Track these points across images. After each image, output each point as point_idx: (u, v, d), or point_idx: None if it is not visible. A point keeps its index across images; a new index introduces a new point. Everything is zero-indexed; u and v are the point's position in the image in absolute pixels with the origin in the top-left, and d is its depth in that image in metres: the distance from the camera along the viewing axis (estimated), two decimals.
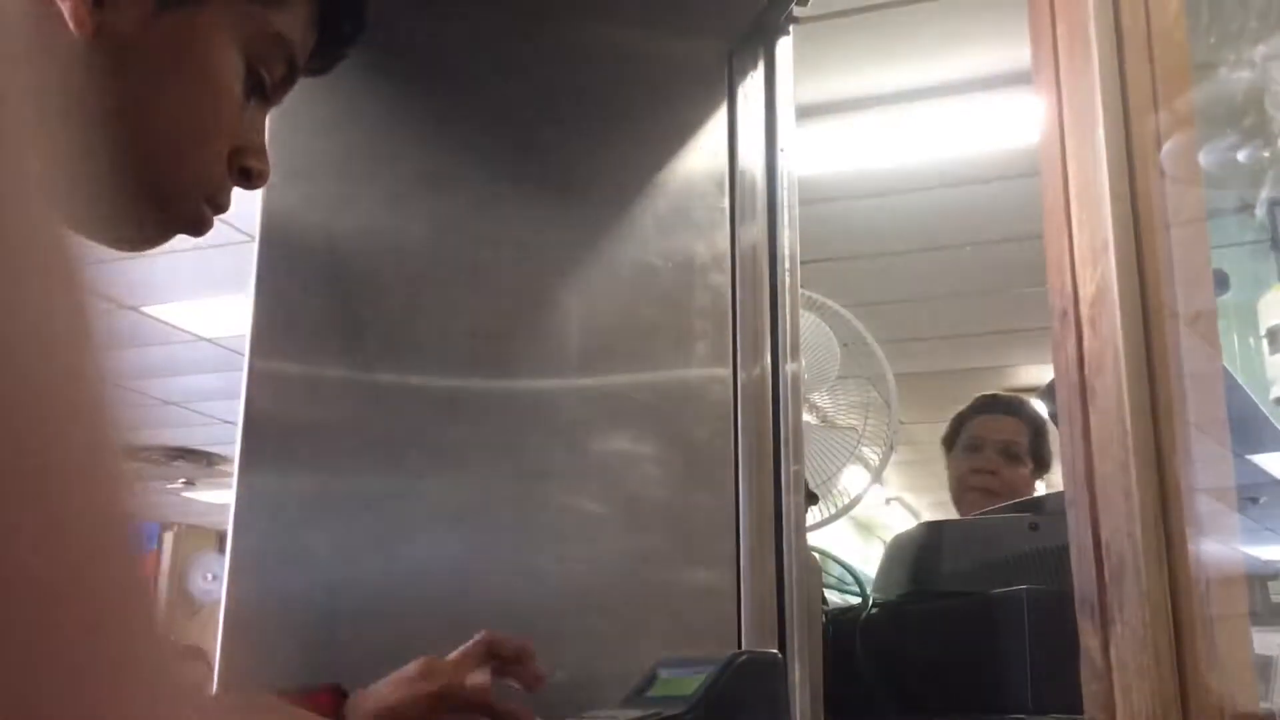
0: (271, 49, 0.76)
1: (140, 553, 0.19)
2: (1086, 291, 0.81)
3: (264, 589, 1.23)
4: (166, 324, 5.89)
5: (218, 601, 1.24)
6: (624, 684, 1.08)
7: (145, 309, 5.70)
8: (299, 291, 1.33)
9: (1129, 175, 0.82)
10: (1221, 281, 0.83)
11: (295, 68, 0.79)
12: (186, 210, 0.76)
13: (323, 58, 0.84)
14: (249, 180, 0.79)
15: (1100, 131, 0.82)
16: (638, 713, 0.96)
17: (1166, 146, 0.84)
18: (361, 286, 1.35)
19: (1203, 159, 0.87)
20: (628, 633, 1.29)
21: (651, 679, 1.06)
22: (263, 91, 0.78)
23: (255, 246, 1.33)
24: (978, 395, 2.73)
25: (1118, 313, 0.79)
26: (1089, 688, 0.77)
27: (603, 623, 1.30)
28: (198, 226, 0.77)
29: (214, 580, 10.86)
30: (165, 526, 11.61)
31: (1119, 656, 0.75)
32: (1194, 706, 0.73)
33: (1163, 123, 0.84)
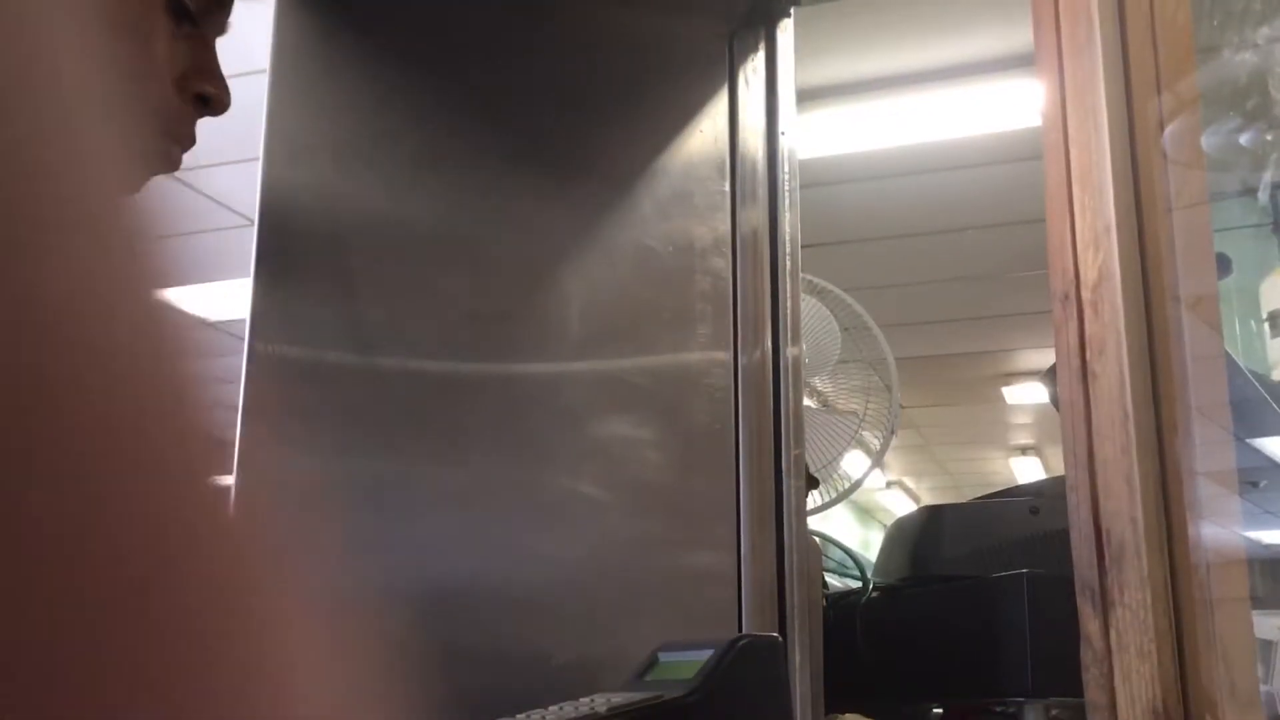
0: None
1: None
2: (1088, 275, 0.81)
3: None
4: None
5: None
6: (624, 667, 1.08)
7: None
8: (298, 275, 1.32)
9: (1131, 158, 0.82)
10: (1224, 265, 0.83)
11: None
12: (147, 151, 0.71)
13: None
14: (207, 106, 0.77)
15: (1103, 114, 0.82)
16: (638, 695, 0.97)
17: (1169, 129, 0.84)
18: (361, 270, 1.35)
19: (1205, 142, 0.87)
20: (628, 616, 1.30)
21: (652, 662, 1.06)
22: (190, 17, 0.75)
23: (254, 230, 1.32)
24: None
25: (1119, 296, 0.79)
26: (1089, 671, 0.77)
27: (603, 606, 1.30)
28: (167, 165, 0.75)
29: None
30: None
31: (1119, 640, 0.75)
32: (1194, 690, 0.73)
33: (1165, 105, 0.84)
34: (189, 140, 0.77)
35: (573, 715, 0.94)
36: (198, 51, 0.76)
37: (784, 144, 1.48)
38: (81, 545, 0.16)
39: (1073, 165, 0.83)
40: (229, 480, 0.19)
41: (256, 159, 1.33)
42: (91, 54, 0.18)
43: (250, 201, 1.35)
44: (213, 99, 0.77)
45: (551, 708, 0.97)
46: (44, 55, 0.17)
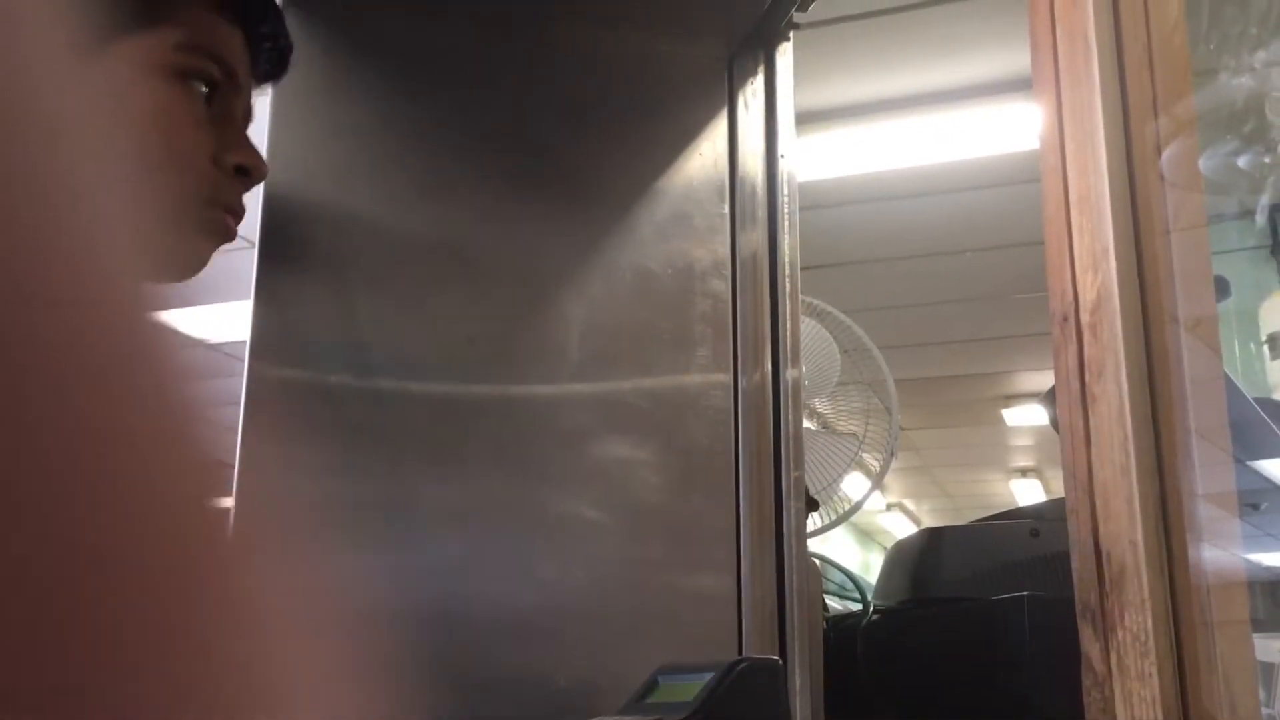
0: (189, 60, 0.82)
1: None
2: (1087, 297, 0.81)
3: None
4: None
5: None
6: (624, 690, 1.07)
7: None
8: (299, 298, 1.33)
9: (1129, 181, 0.82)
10: (1222, 287, 0.83)
11: (226, 62, 0.85)
12: (201, 223, 0.83)
13: (262, 55, 0.91)
14: (247, 176, 0.86)
15: (1101, 137, 0.82)
16: (638, 719, 0.96)
17: (1167, 152, 0.84)
18: (361, 292, 1.35)
19: (1203, 165, 0.87)
20: (628, 639, 1.29)
21: (652, 685, 1.06)
22: (215, 95, 0.84)
23: (255, 252, 1.33)
24: None
25: (1118, 318, 0.79)
26: (1090, 694, 0.77)
27: (603, 629, 1.30)
28: (222, 233, 0.85)
29: None
30: None
31: (1120, 663, 0.75)
32: (1195, 713, 0.73)
33: (1163, 128, 0.84)
34: (238, 208, 0.86)
35: None
36: (225, 129, 0.85)
37: (783, 166, 1.49)
38: (74, 563, 0.16)
39: (1071, 188, 0.84)
40: (228, 501, 0.19)
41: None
42: (107, 145, 0.19)
43: (251, 223, 1.35)
44: (252, 170, 0.86)
45: None
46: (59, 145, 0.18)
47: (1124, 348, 0.78)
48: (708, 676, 0.98)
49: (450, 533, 1.30)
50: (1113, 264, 0.80)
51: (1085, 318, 0.81)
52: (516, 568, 1.30)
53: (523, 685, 1.24)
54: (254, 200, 1.36)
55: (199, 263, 0.85)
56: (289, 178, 1.34)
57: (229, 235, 0.86)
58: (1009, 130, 3.49)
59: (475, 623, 1.27)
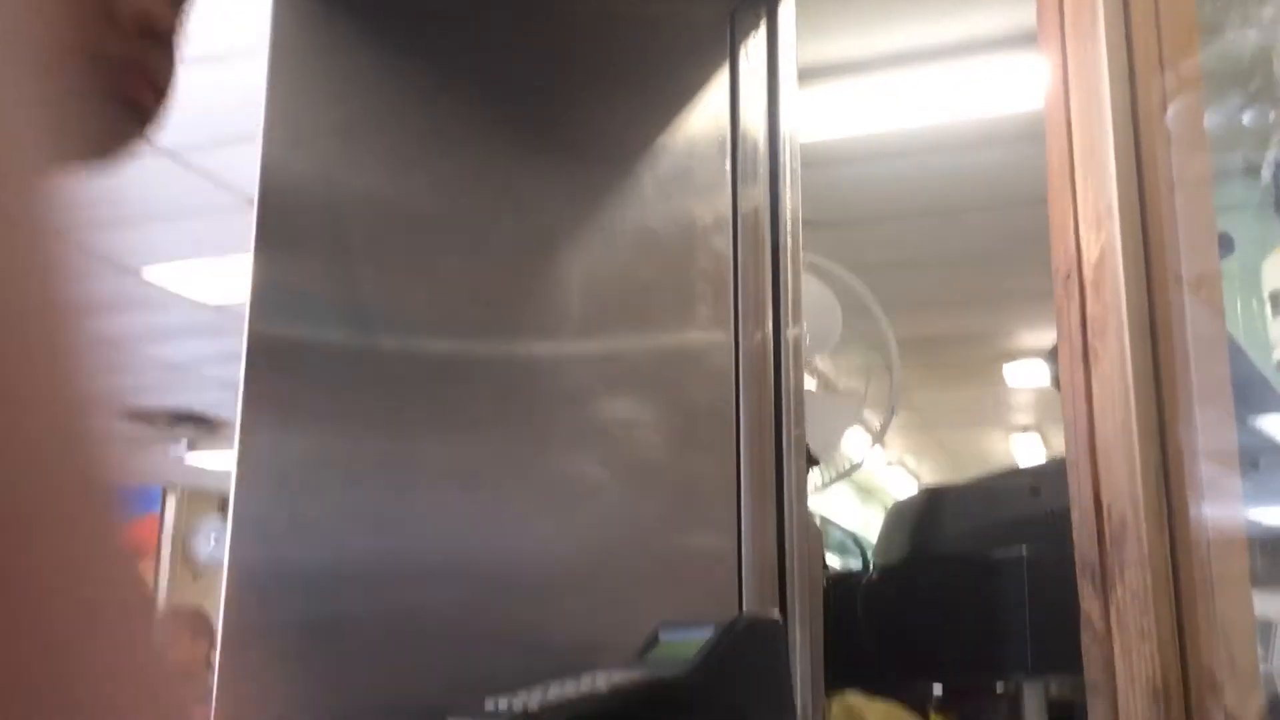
0: None
1: (123, 519, 0.19)
2: (1090, 255, 0.81)
3: (266, 553, 1.23)
4: (167, 288, 5.89)
5: (220, 565, 1.25)
6: (625, 647, 1.08)
7: (145, 273, 5.69)
8: (298, 255, 1.32)
9: (1134, 138, 0.82)
10: (1226, 244, 0.83)
11: None
12: (107, 89, 0.64)
13: None
14: (151, 26, 0.67)
15: (1106, 93, 0.81)
16: (638, 674, 0.97)
17: (1172, 108, 0.84)
18: (361, 250, 1.34)
19: (1208, 121, 0.87)
20: (629, 596, 1.30)
21: (652, 642, 1.07)
22: None
23: (254, 211, 1.32)
24: None
25: (1121, 276, 0.79)
26: (1089, 650, 0.78)
27: (604, 586, 1.30)
28: (128, 102, 0.66)
29: (216, 543, 10.91)
30: (167, 489, 11.65)
31: (1119, 619, 0.75)
32: (1194, 669, 0.73)
33: (1169, 84, 0.83)
34: (152, 75, 0.67)
35: (573, 693, 0.94)
36: None
37: (785, 122, 1.48)
38: None
39: (1075, 144, 0.83)
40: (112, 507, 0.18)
41: (256, 139, 1.32)
42: None
43: (249, 180, 1.34)
44: (152, 17, 0.66)
45: (553, 685, 0.97)
46: None
47: (1126, 305, 0.78)
48: (708, 633, 0.99)
49: (451, 490, 1.30)
50: (1116, 221, 0.80)
51: (1088, 275, 0.81)
52: (517, 525, 1.30)
53: (523, 642, 1.25)
54: (253, 157, 1.35)
55: (109, 143, 0.65)
56: (288, 135, 1.33)
57: (143, 108, 0.66)
58: (1013, 87, 3.47)
59: (476, 580, 1.28)
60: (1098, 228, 0.80)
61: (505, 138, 1.42)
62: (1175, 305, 0.79)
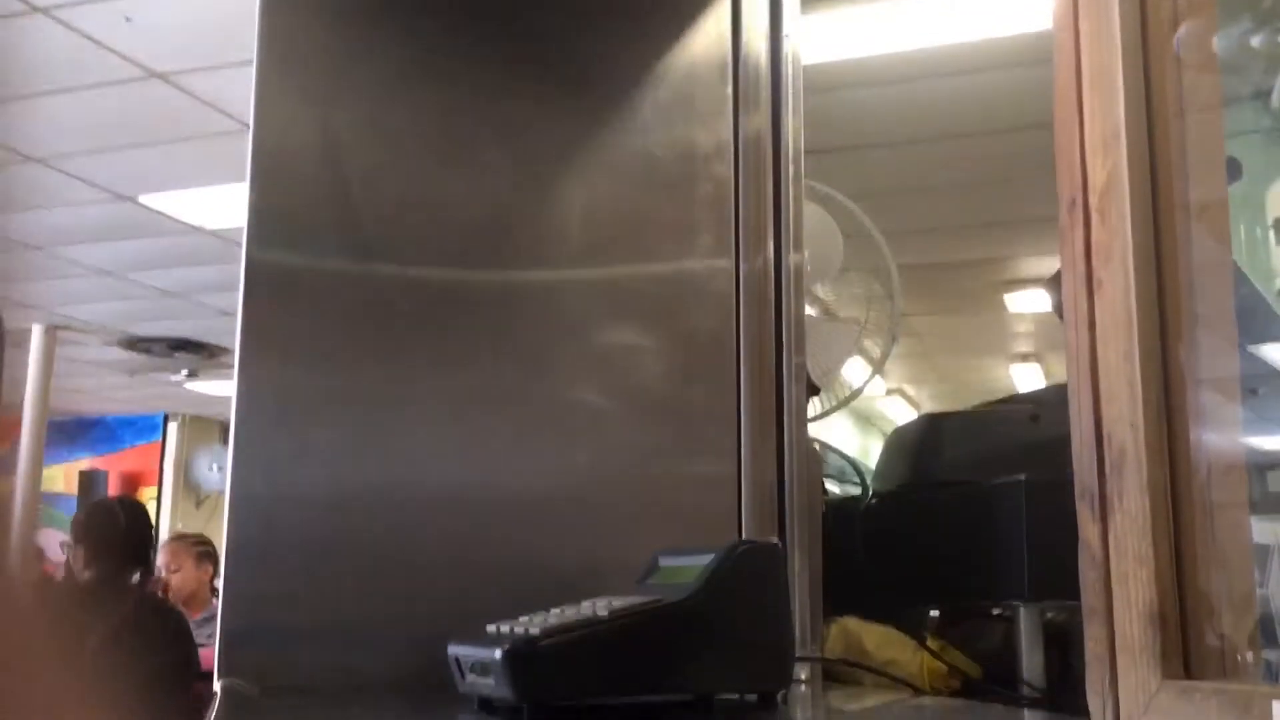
0: None
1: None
2: (1096, 180, 0.80)
3: (267, 480, 1.23)
4: (165, 215, 5.85)
5: (223, 491, 1.25)
6: (625, 573, 1.09)
7: (143, 199, 5.66)
8: (294, 181, 1.31)
9: (1143, 61, 0.80)
10: (1234, 169, 0.82)
11: None
12: None
13: None
14: None
15: (1115, 15, 0.80)
16: (639, 599, 0.98)
17: (1181, 31, 0.82)
18: (358, 177, 1.33)
19: (1218, 45, 0.85)
20: (629, 522, 1.31)
21: (652, 568, 1.08)
22: None
23: (250, 135, 1.30)
24: None
25: (1127, 202, 0.78)
26: (1086, 576, 0.78)
27: (604, 513, 1.31)
28: None
29: (219, 470, 10.98)
30: (170, 416, 11.71)
31: (1117, 545, 0.76)
32: (1190, 594, 0.74)
33: (1179, 6, 0.82)
34: None
35: (574, 618, 0.95)
36: None
37: (787, 46, 1.46)
38: None
39: (1083, 67, 0.82)
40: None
41: (250, 62, 1.30)
42: None
43: (244, 106, 1.33)
44: None
45: (554, 611, 0.98)
46: None
47: (1132, 232, 0.77)
48: (708, 558, 0.99)
49: (450, 418, 1.31)
50: (1123, 146, 0.79)
51: (1094, 201, 0.80)
52: (517, 452, 1.31)
53: (524, 568, 1.26)
54: (247, 83, 1.33)
55: None
56: (281, 61, 1.31)
57: None
58: (1020, 8, 3.42)
59: (476, 507, 1.28)
60: (1104, 153, 0.79)
61: (503, 62, 1.40)
62: (1181, 232, 0.78)
